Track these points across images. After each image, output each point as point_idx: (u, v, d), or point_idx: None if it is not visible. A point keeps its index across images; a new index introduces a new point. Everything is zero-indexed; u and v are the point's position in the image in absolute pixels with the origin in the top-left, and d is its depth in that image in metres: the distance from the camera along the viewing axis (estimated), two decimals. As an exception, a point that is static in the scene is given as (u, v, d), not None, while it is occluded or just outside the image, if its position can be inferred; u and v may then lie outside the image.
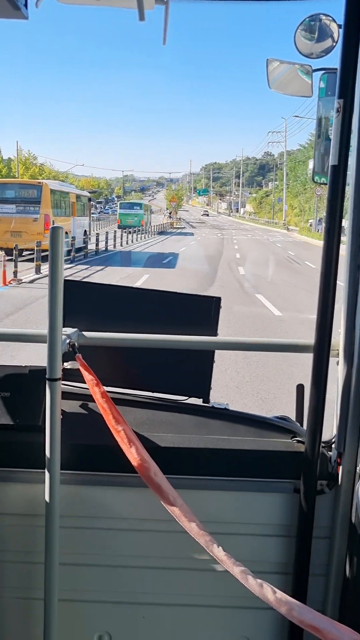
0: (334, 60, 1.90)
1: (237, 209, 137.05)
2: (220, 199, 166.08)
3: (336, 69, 1.83)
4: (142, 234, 47.48)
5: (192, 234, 57.23)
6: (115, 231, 36.09)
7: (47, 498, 1.84)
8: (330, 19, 1.99)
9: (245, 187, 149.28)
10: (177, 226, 70.57)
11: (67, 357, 1.87)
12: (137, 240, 40.73)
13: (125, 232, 38.83)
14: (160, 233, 56.53)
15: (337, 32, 1.96)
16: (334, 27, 1.97)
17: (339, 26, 1.93)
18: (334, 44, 1.96)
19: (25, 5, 1.58)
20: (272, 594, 1.61)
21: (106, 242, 30.77)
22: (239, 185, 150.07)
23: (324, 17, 1.99)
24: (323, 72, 2.00)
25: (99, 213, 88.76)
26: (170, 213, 78.72)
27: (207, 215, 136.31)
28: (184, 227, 70.95)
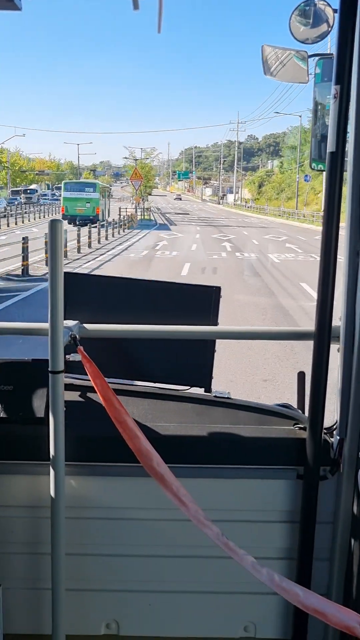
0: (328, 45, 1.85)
1: (225, 194, 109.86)
2: (204, 184, 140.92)
3: (332, 54, 1.82)
4: (117, 228, 33.28)
5: (168, 227, 41.17)
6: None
7: (52, 489, 1.85)
8: (325, 3, 1.98)
9: (229, 172, 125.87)
10: (147, 219, 48.79)
11: (68, 349, 1.87)
12: (98, 244, 25.80)
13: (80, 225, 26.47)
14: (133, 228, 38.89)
15: (332, 17, 1.95)
16: (329, 11, 1.96)
17: (334, 11, 1.92)
18: (330, 29, 1.96)
19: None
20: (276, 579, 1.63)
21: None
22: (226, 169, 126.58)
23: (318, 2, 1.98)
24: (319, 57, 1.99)
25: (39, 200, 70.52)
26: (137, 202, 49.54)
27: (180, 199, 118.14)
28: (155, 224, 44.33)
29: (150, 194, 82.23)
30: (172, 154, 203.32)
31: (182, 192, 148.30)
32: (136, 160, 63.01)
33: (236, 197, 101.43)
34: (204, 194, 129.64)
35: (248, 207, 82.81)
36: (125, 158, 65.95)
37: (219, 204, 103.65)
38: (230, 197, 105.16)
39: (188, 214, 69.25)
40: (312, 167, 1.99)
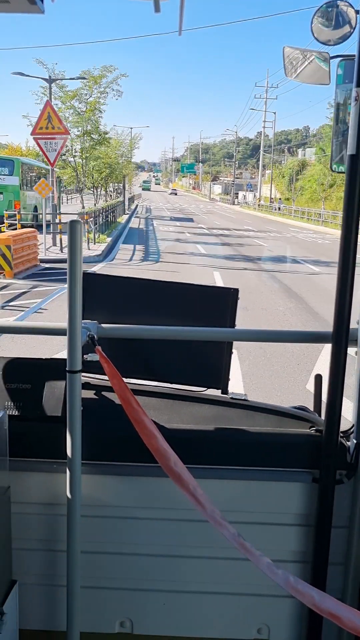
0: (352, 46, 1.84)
1: (237, 193, 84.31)
2: (213, 181, 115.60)
3: (354, 55, 1.81)
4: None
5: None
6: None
7: (68, 487, 1.86)
8: (348, 4, 1.97)
9: (239, 169, 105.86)
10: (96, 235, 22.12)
11: (86, 349, 1.87)
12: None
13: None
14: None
15: (354, 19, 1.94)
16: (351, 13, 1.95)
17: (357, 12, 1.91)
18: (352, 30, 1.95)
19: None
20: (292, 581, 1.63)
21: None
22: (240, 164, 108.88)
23: (341, 3, 1.97)
24: (340, 59, 1.98)
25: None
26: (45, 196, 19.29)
27: (176, 194, 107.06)
28: (97, 260, 17.60)
29: (126, 184, 45.95)
30: (176, 152, 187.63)
31: (187, 190, 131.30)
32: (52, 82, 24.96)
33: (251, 197, 76.84)
34: (213, 191, 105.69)
35: (278, 210, 56.67)
36: (20, 78, 23.45)
37: (234, 204, 79.43)
38: (250, 196, 78.68)
39: (192, 220, 42.10)
40: (333, 169, 1.98)
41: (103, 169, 34.04)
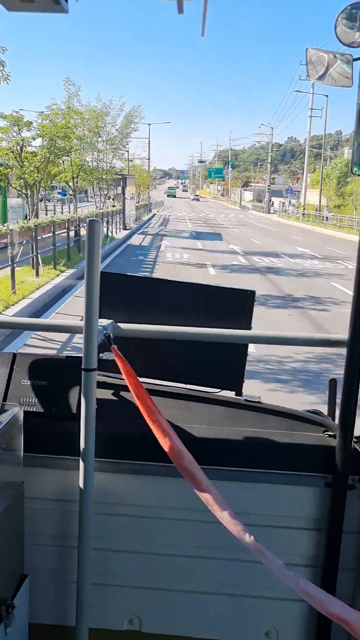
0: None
1: (270, 199, 70.80)
2: (244, 187, 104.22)
3: None
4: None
5: None
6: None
7: (81, 485, 1.88)
8: None
9: (271, 174, 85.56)
10: None
11: (102, 347, 1.89)
12: None
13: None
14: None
15: (379, 21, 1.92)
16: (376, 15, 1.93)
17: (382, 14, 1.89)
18: (377, 32, 1.93)
19: None
20: (302, 585, 1.63)
21: None
22: (273, 170, 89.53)
23: None
24: (364, 61, 1.96)
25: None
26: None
27: (198, 199, 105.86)
28: None
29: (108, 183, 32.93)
30: (205, 157, 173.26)
31: (215, 197, 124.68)
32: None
33: (292, 200, 65.03)
34: (243, 198, 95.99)
35: (327, 221, 45.52)
36: None
37: (269, 212, 66.54)
38: (288, 203, 66.51)
39: (219, 237, 32.94)
40: (354, 172, 1.96)
41: (39, 152, 19.90)
